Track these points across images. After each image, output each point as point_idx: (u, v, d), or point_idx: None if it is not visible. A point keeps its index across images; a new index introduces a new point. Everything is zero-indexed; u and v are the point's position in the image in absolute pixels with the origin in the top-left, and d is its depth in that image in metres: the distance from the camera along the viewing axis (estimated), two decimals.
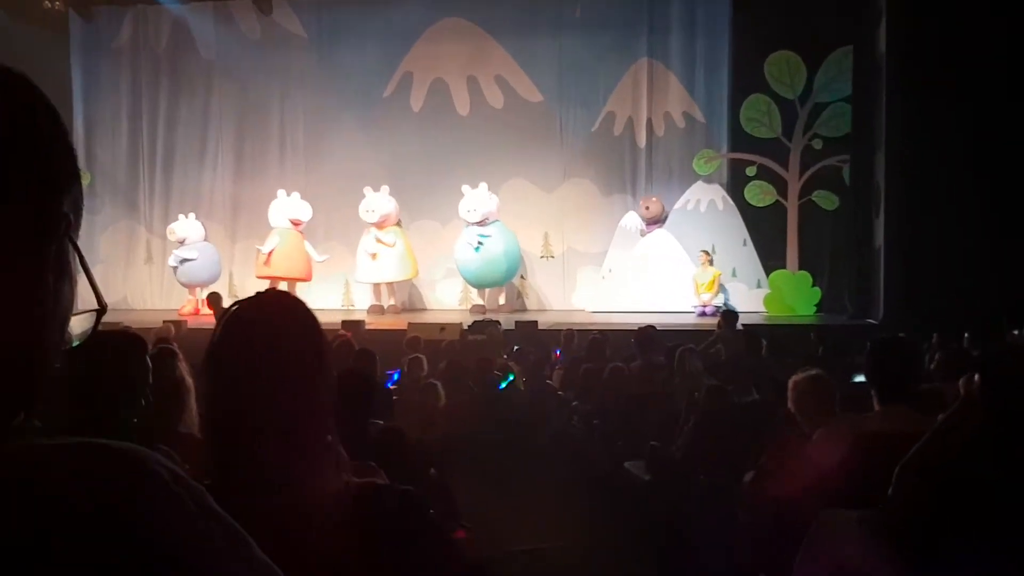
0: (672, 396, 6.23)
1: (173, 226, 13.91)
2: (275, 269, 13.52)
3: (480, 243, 13.08)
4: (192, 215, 14.14)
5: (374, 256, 13.54)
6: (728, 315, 9.23)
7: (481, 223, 13.16)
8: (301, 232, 13.68)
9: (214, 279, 14.19)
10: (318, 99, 14.80)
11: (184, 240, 13.86)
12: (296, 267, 13.55)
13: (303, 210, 13.55)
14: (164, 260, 14.91)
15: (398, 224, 13.87)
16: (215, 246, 14.37)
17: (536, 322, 10.55)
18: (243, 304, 1.41)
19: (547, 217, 14.30)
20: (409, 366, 6.80)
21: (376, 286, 13.89)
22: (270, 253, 13.42)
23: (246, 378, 1.31)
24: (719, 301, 12.79)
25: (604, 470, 5.74)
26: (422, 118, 14.54)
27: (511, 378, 6.48)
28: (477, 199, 13.22)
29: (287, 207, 13.57)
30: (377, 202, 13.43)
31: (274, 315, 1.39)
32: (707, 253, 12.91)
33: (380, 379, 6.15)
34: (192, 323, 11.66)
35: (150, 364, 2.42)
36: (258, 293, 1.42)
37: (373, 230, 13.55)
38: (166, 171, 15.24)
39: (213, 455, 1.33)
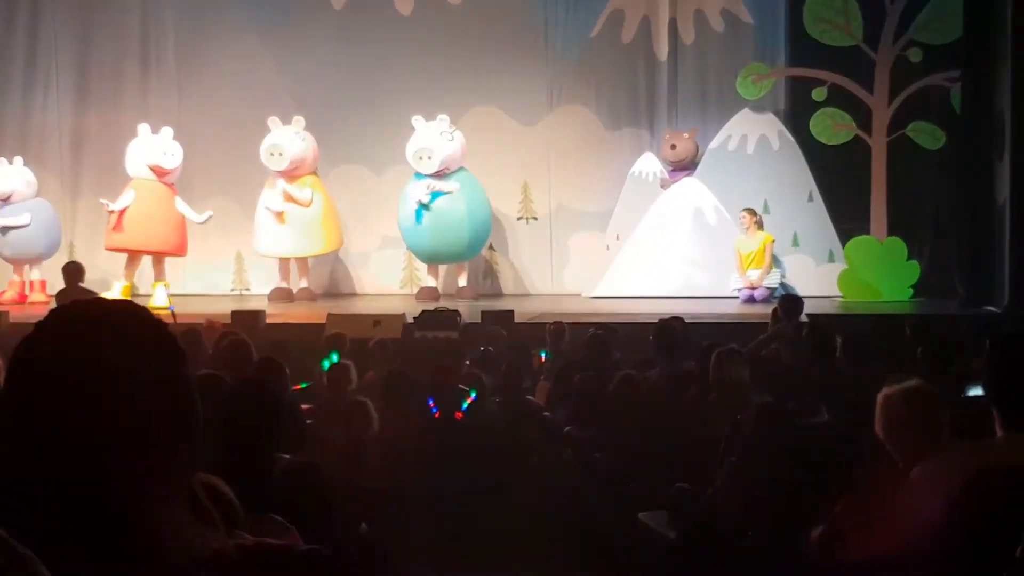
0: (707, 418, 6.23)
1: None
2: (130, 238, 13.34)
3: (424, 204, 13.03)
4: (19, 161, 13.94)
5: (280, 218, 13.47)
6: (787, 302, 9.26)
7: (438, 174, 13.13)
8: (170, 185, 13.54)
9: (51, 251, 14.05)
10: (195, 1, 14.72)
11: (8, 197, 13.68)
12: (161, 235, 13.39)
13: (171, 153, 13.39)
14: None
15: (314, 174, 13.81)
16: (50, 204, 14.22)
17: (512, 312, 10.56)
18: (45, 326, 1.42)
19: (527, 162, 14.30)
20: (329, 377, 6.80)
21: (283, 262, 13.82)
22: (121, 214, 13.27)
23: (48, 422, 1.36)
24: (773, 281, 12.85)
25: (610, 525, 5.75)
26: (346, 19, 14.49)
27: (474, 395, 6.49)
28: (433, 139, 13.17)
29: (149, 149, 13.42)
30: (286, 141, 13.35)
31: (92, 343, 1.40)
32: (752, 213, 12.96)
33: (288, 396, 6.13)
34: (17, 315, 11.55)
35: None
36: (66, 306, 1.43)
37: (280, 182, 13.47)
38: None
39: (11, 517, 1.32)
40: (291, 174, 13.44)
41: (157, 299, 12.97)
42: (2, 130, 15.02)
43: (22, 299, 13.66)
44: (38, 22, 14.99)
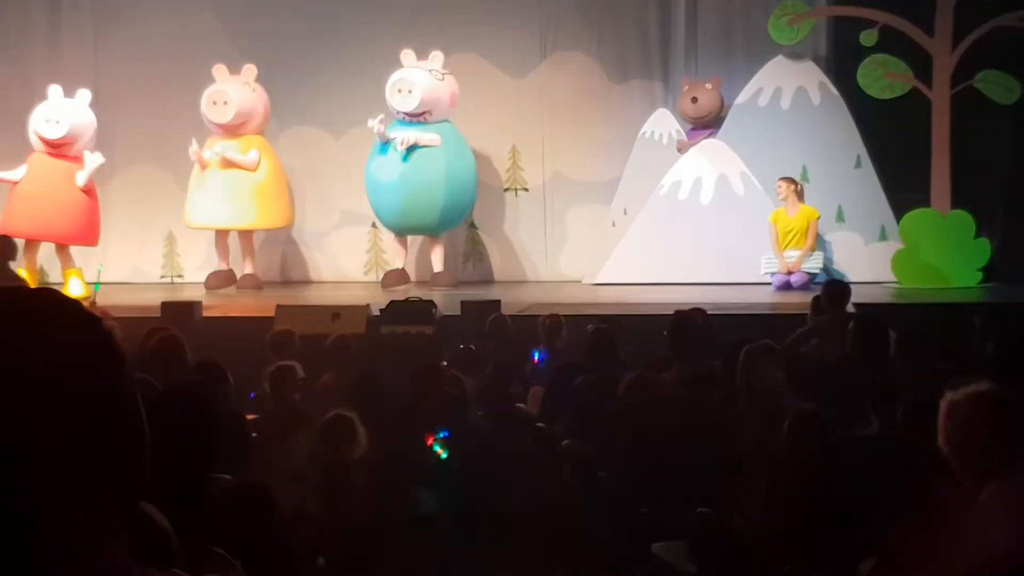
0: (734, 430, 6.25)
1: None
2: (20, 221, 13.13)
3: (401, 148, 13.01)
4: None
5: (218, 183, 13.39)
6: (831, 289, 9.26)
7: (420, 116, 13.11)
8: (72, 158, 13.18)
9: None
10: None
11: None
12: (58, 220, 13.03)
13: (56, 120, 13.03)
14: None
15: (262, 135, 13.74)
16: None
17: (498, 303, 10.55)
18: None
19: (516, 122, 14.29)
20: (272, 381, 6.81)
21: (220, 238, 13.76)
22: (12, 192, 13.10)
23: None
24: (814, 264, 12.85)
25: (618, 558, 5.75)
26: None
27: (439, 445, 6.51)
28: (417, 72, 13.14)
29: (37, 115, 13.08)
30: (231, 92, 13.30)
31: (13, 341, 1.39)
32: (791, 181, 12.95)
33: (230, 406, 6.14)
34: None
35: None
36: None
37: (218, 145, 13.39)
38: None
39: None
40: (235, 130, 13.38)
41: (72, 292, 12.88)
42: None
43: None
44: None
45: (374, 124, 12.99)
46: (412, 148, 13.10)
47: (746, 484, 5.57)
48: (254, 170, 13.43)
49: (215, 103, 13.26)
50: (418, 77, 13.10)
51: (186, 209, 13.70)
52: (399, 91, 13.08)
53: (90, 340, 1.41)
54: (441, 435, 6.39)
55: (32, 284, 12.84)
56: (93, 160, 13.00)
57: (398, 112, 13.17)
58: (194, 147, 13.21)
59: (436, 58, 13.25)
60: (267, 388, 6.87)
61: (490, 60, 14.28)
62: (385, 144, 13.17)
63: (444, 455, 6.32)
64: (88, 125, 13.28)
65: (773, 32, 13.46)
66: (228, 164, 13.38)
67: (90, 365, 1.39)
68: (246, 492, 4.39)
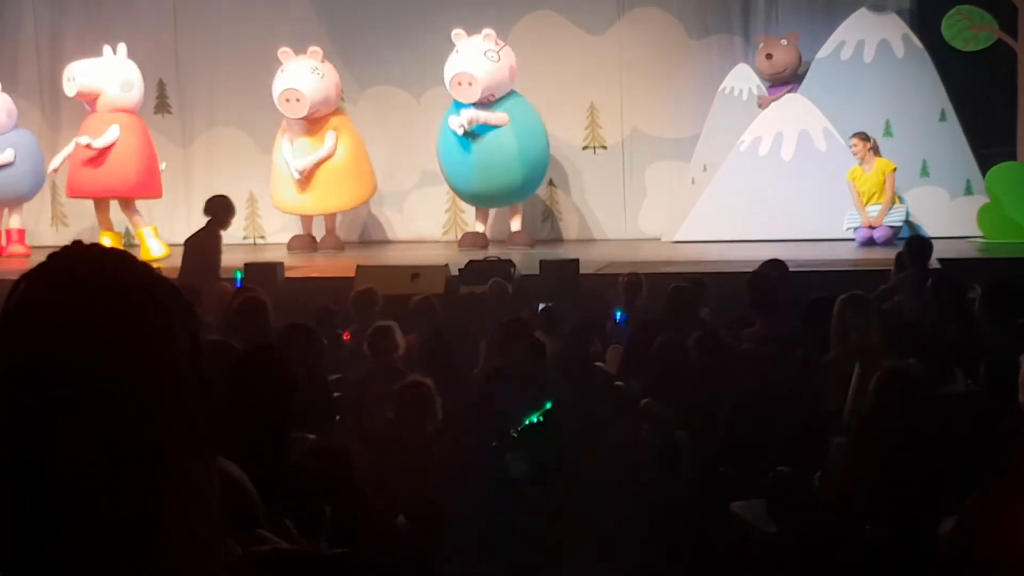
0: (815, 388, 6.22)
1: None
2: (82, 184, 13.36)
3: (470, 132, 13.02)
4: None
5: (302, 175, 13.43)
6: (914, 244, 9.18)
7: (483, 102, 13.10)
8: (116, 111, 13.35)
9: (34, 192, 14.14)
10: None
11: None
12: (115, 175, 13.30)
13: (71, 78, 13.16)
14: None
15: (338, 111, 13.75)
16: (35, 137, 14.29)
17: (577, 262, 10.57)
18: (31, 277, 1.40)
19: (594, 79, 14.24)
20: (372, 340, 6.84)
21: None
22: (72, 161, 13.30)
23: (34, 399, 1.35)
24: (897, 219, 12.73)
25: (697, 517, 5.76)
26: None
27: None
28: (475, 60, 13.10)
29: (112, 72, 13.38)
30: (302, 82, 13.26)
31: (87, 303, 1.38)
32: (865, 138, 12.77)
33: (315, 365, 6.19)
34: None
35: None
36: (56, 255, 1.42)
37: (298, 140, 13.42)
38: None
39: None
40: (311, 118, 13.42)
41: (153, 249, 13.11)
42: None
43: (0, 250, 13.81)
44: None
45: (462, 124, 12.99)
46: (482, 130, 13.07)
47: (827, 442, 5.55)
48: (333, 155, 13.50)
49: (288, 100, 13.22)
50: (476, 67, 12.96)
51: (272, 189, 13.80)
52: (459, 84, 13.01)
53: (166, 301, 1.41)
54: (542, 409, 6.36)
55: (116, 245, 13.08)
56: (106, 135, 13.17)
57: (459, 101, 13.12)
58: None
59: (489, 37, 13.10)
60: (366, 348, 6.90)
61: (567, 17, 14.23)
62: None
63: (533, 419, 6.32)
64: (110, 80, 13.30)
65: None
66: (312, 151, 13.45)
67: (153, 323, 1.39)
68: (327, 453, 4.43)
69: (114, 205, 13.60)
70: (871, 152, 12.77)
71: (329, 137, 13.47)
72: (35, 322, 1.36)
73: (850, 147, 12.82)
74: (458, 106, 13.16)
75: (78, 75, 13.14)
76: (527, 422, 6.26)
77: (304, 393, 4.12)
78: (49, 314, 1.36)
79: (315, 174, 13.47)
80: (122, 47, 13.37)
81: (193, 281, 8.32)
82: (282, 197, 13.76)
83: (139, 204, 13.60)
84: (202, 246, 9.94)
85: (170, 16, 14.74)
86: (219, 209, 10.11)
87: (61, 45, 14.99)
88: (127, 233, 14.01)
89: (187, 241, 10.17)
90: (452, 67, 13.08)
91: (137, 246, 13.01)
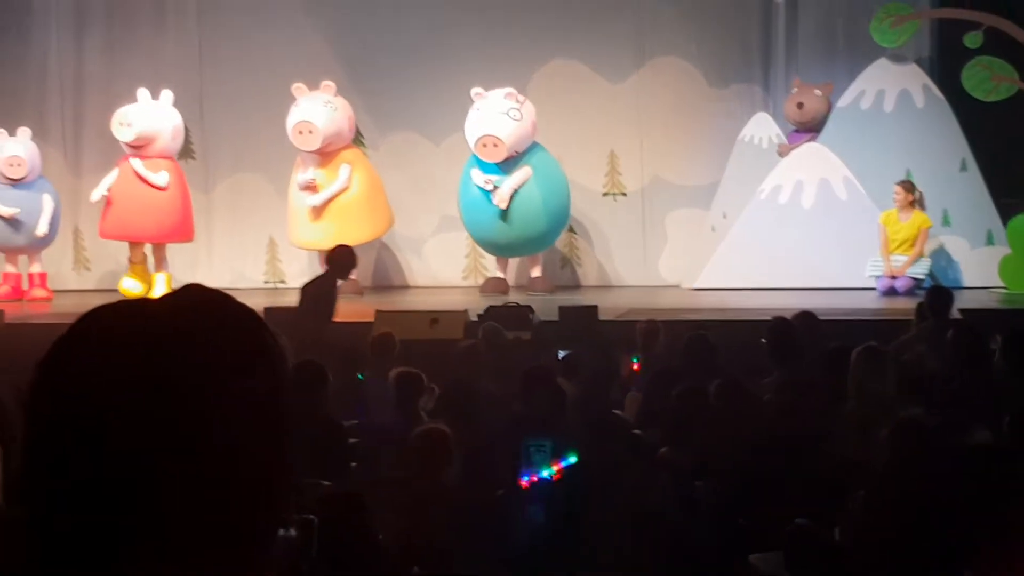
0: (834, 438, 6.16)
1: (18, 151, 13.61)
2: (115, 225, 13.48)
3: (495, 186, 13.04)
4: (25, 133, 13.99)
5: (314, 212, 13.46)
6: (935, 295, 9.13)
7: (507, 159, 13.11)
8: (150, 156, 13.44)
9: (52, 239, 14.19)
10: None
11: (24, 178, 13.70)
12: (150, 220, 13.40)
13: (127, 123, 13.26)
14: None
15: (351, 146, 13.80)
16: (51, 184, 14.34)
17: (596, 308, 10.55)
18: (99, 315, 1.41)
19: (614, 127, 14.24)
20: (397, 385, 6.81)
21: (322, 253, 13.87)
22: (108, 199, 13.41)
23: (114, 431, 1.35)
24: (920, 270, 12.64)
25: (714, 568, 5.71)
26: None
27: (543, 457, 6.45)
28: (499, 120, 13.04)
29: (123, 118, 13.38)
30: (315, 115, 13.32)
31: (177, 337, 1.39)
32: (910, 189, 12.63)
33: (327, 408, 6.17)
34: (14, 314, 11.74)
35: None
36: (108, 305, 1.42)
37: (311, 170, 13.47)
38: None
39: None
40: (325, 151, 13.47)
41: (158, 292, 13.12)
42: (1, 90, 15.14)
43: (18, 294, 13.80)
44: None
45: (483, 180, 13.02)
46: (498, 186, 13.08)
47: (846, 493, 5.49)
48: (347, 188, 13.52)
49: (301, 132, 13.28)
50: (499, 128, 12.94)
51: (289, 227, 13.82)
52: (484, 146, 13.00)
53: (256, 341, 1.42)
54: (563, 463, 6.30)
55: (144, 285, 13.18)
56: (160, 177, 13.27)
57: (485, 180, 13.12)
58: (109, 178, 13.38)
59: (511, 96, 13.12)
60: (393, 393, 6.88)
61: (587, 66, 14.24)
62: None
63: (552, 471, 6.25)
64: (165, 126, 13.43)
65: (876, 34, 13.31)
66: (314, 188, 13.45)
67: (254, 365, 1.40)
68: (341, 500, 4.39)
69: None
70: (913, 204, 12.65)
71: (343, 170, 13.50)
72: (97, 369, 1.36)
73: (893, 194, 12.68)
74: (481, 164, 13.14)
75: (135, 120, 13.21)
76: (545, 472, 6.21)
77: (315, 437, 4.08)
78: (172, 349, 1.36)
79: (330, 208, 13.47)
80: (168, 93, 13.50)
81: (306, 327, 8.65)
82: (298, 233, 13.75)
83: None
84: (318, 294, 10.00)
85: (195, 62, 14.81)
86: (341, 259, 10.26)
87: (84, 89, 15.06)
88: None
89: (304, 288, 10.25)
90: (476, 128, 13.04)
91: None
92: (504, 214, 13.12)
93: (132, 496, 1.33)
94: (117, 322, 1.40)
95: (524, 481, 6.07)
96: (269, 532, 1.40)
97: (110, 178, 13.46)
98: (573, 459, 6.19)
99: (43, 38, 15.12)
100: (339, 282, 10.21)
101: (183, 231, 13.72)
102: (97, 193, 13.51)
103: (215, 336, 1.39)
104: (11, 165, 13.60)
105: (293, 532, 1.58)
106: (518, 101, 13.18)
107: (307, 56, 14.28)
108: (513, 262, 13.93)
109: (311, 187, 13.44)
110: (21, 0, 15.14)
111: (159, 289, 13.24)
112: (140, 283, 13.38)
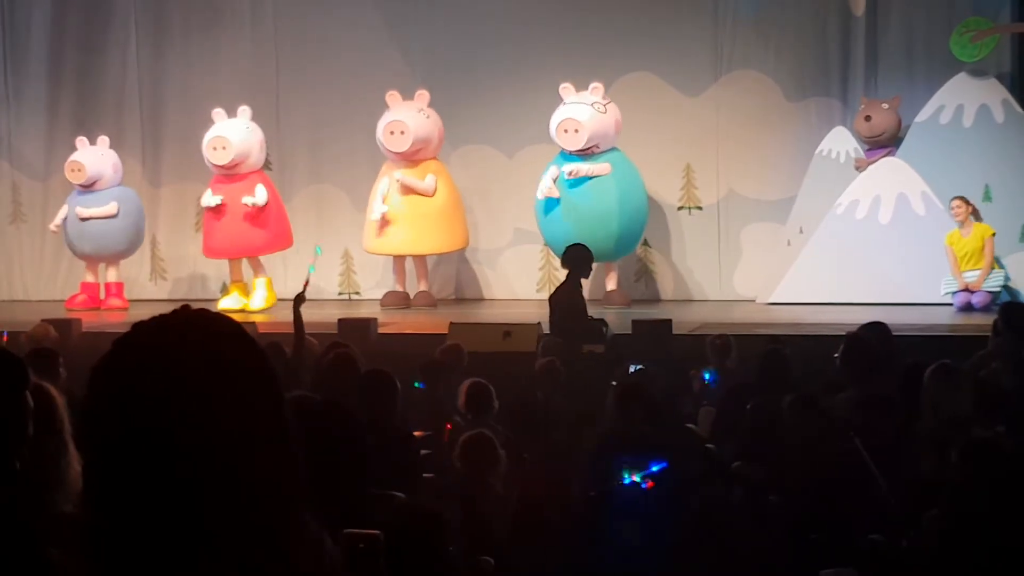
0: (909, 455, 6.10)
1: (80, 157, 14.04)
2: (218, 245, 13.76)
3: (570, 178, 13.07)
4: (104, 141, 14.28)
5: (397, 211, 13.53)
6: (1009, 310, 9.00)
7: (586, 152, 13.14)
8: (241, 176, 13.62)
9: (134, 248, 14.46)
10: None
11: (94, 183, 14.00)
12: (250, 235, 13.62)
13: (220, 147, 13.43)
14: (43, 214, 15.26)
15: (437, 159, 13.90)
16: (135, 193, 14.57)
17: (670, 322, 10.52)
18: (133, 337, 1.53)
19: (691, 140, 14.22)
20: (467, 397, 6.82)
21: (398, 261, 13.96)
22: (208, 221, 13.66)
23: (138, 444, 1.46)
24: (995, 284, 12.49)
25: None
26: None
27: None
28: (582, 109, 13.20)
29: (216, 142, 13.55)
30: (409, 118, 13.45)
31: (178, 355, 1.50)
32: (966, 201, 12.57)
33: (397, 419, 6.18)
34: (91, 323, 11.91)
35: (30, 403, 2.70)
36: (161, 317, 1.55)
37: (398, 172, 13.53)
38: (45, 60, 15.54)
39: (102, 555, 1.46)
40: (412, 157, 13.53)
41: (257, 299, 13.41)
42: (78, 104, 15.41)
43: (96, 303, 14.04)
44: None
45: (549, 188, 13.05)
46: (582, 179, 13.11)
47: (920, 511, 5.43)
48: (432, 195, 13.56)
49: (392, 133, 13.38)
50: (582, 114, 13.07)
51: (365, 235, 13.90)
52: (565, 131, 13.08)
53: (243, 357, 1.50)
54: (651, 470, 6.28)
55: (243, 297, 13.40)
56: (260, 194, 13.50)
57: (564, 150, 13.17)
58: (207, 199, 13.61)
59: (596, 90, 13.22)
60: (462, 404, 6.89)
61: (664, 79, 14.22)
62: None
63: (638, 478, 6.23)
64: (252, 142, 13.64)
65: (955, 49, 13.18)
66: (407, 191, 13.52)
67: (242, 382, 1.48)
68: (414, 513, 4.38)
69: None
70: (971, 217, 12.58)
71: (430, 178, 13.56)
72: (122, 388, 1.46)
73: (950, 210, 12.62)
74: (564, 157, 13.19)
75: (230, 143, 13.42)
76: (630, 479, 6.19)
77: (386, 449, 4.09)
78: (135, 377, 1.46)
79: (411, 214, 13.53)
80: (246, 109, 13.68)
81: (564, 331, 9.34)
82: (374, 238, 13.79)
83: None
84: (566, 298, 10.40)
85: (273, 73, 14.95)
86: (577, 259, 10.79)
87: (163, 101, 15.29)
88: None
89: (552, 298, 10.66)
90: (558, 115, 13.17)
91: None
92: (580, 213, 13.10)
93: (170, 501, 1.42)
94: (139, 347, 1.49)
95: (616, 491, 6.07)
96: (288, 528, 1.48)
97: (206, 198, 13.65)
98: (657, 468, 6.17)
99: (123, 51, 15.36)
100: (581, 281, 10.73)
101: (283, 239, 14.00)
102: (212, 202, 13.66)
103: (214, 352, 1.48)
104: (72, 171, 13.96)
105: (362, 546, 1.65)
106: (604, 97, 13.24)
107: (382, 69, 14.39)
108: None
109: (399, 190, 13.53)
110: (102, 13, 15.37)
111: (259, 294, 13.48)
112: (240, 297, 13.66)
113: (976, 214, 12.61)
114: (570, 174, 13.08)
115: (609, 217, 13.20)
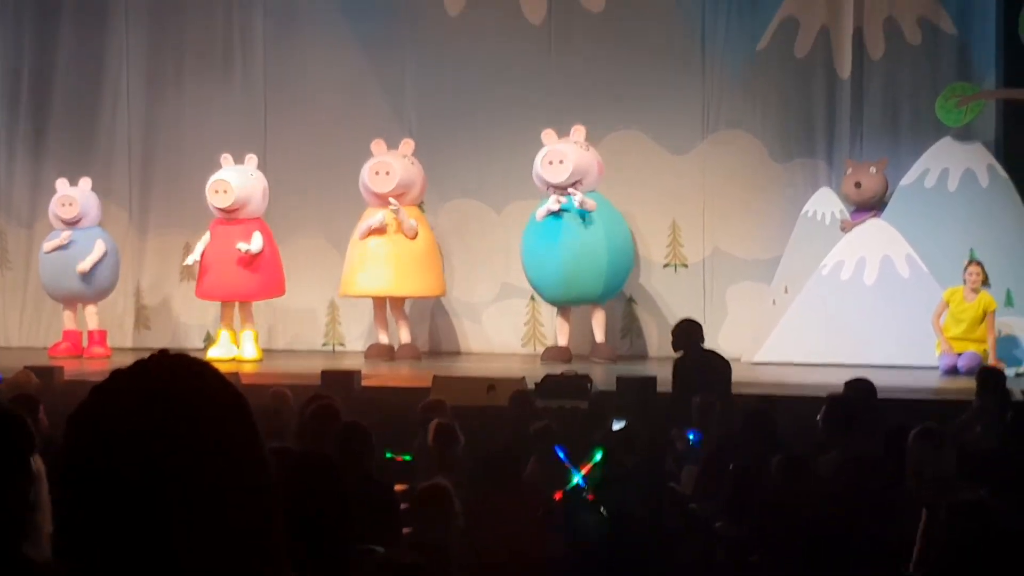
0: (894, 517, 6.07)
1: (72, 193, 14.01)
2: (212, 287, 13.74)
3: (560, 212, 13.09)
4: (86, 183, 14.28)
5: (378, 249, 13.49)
6: (985, 374, 9.02)
7: (572, 187, 13.18)
8: (240, 221, 13.62)
9: (109, 291, 14.37)
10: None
11: (78, 221, 14.00)
12: (244, 280, 13.62)
13: (222, 190, 13.44)
14: (27, 261, 15.22)
15: (417, 206, 13.92)
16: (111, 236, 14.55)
17: (655, 379, 10.49)
18: (111, 384, 1.51)
19: (677, 197, 14.26)
20: (435, 439, 6.78)
21: (379, 310, 13.91)
22: (203, 262, 13.64)
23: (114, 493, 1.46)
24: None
25: None
26: (463, 27, 14.66)
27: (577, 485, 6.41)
28: (565, 145, 13.27)
29: (218, 185, 13.57)
30: (393, 163, 13.51)
31: (160, 402, 1.49)
32: (983, 268, 12.46)
33: (374, 471, 6.12)
34: (73, 371, 11.84)
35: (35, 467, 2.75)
36: (140, 362, 1.54)
37: (381, 211, 13.55)
38: (36, 106, 15.53)
39: None
40: (398, 198, 13.52)
41: (247, 352, 13.38)
42: (66, 150, 15.36)
43: (78, 350, 13.99)
44: (107, 22, 15.37)
45: (551, 206, 13.07)
46: (570, 215, 13.10)
47: (904, 572, 5.40)
48: (412, 237, 13.57)
49: (377, 173, 13.44)
50: (567, 148, 13.20)
51: (343, 280, 13.87)
52: (550, 163, 13.14)
53: (225, 407, 1.49)
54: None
55: (233, 342, 13.35)
56: (255, 241, 13.48)
57: (549, 187, 13.21)
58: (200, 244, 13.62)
59: (578, 131, 13.33)
60: (430, 441, 6.86)
61: (653, 137, 14.28)
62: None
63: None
64: (255, 189, 13.67)
65: (941, 114, 13.25)
66: (384, 233, 13.49)
67: (223, 430, 1.47)
68: (395, 568, 4.32)
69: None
70: (983, 282, 12.42)
71: (413, 220, 13.58)
72: (100, 437, 1.44)
73: (966, 274, 12.41)
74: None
75: (231, 188, 13.46)
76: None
77: (365, 503, 4.05)
78: (113, 428, 1.44)
79: (393, 254, 13.51)
80: (252, 157, 13.78)
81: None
82: (356, 280, 13.71)
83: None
84: (697, 367, 9.76)
85: (261, 123, 14.96)
86: (689, 332, 10.09)
87: (153, 151, 15.28)
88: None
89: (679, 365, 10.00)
90: (542, 152, 13.26)
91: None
92: (566, 246, 13.10)
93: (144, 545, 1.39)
94: (118, 393, 1.47)
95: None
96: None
97: (203, 243, 13.66)
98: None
99: (113, 98, 15.35)
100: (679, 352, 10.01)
101: (276, 287, 13.97)
102: (192, 258, 13.72)
103: (193, 399, 1.47)
104: (63, 204, 13.96)
105: None
106: (586, 138, 13.38)
107: (370, 120, 14.44)
108: (576, 330, 13.85)
109: (380, 229, 13.48)
110: (93, 61, 15.38)
111: (248, 347, 13.46)
112: (232, 345, 13.63)
113: (986, 281, 12.52)
114: (580, 203, 13.04)
115: (597, 252, 13.20)
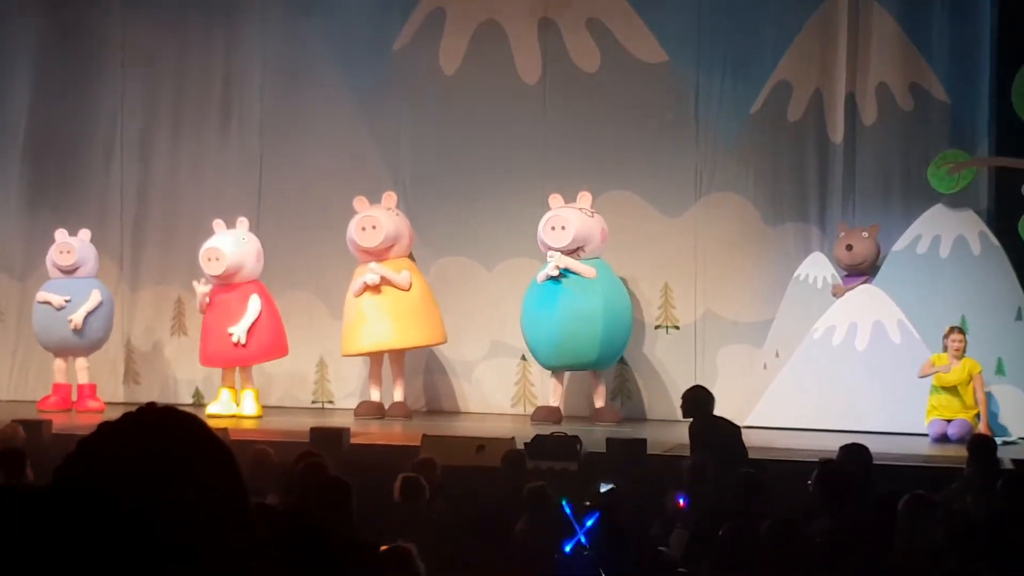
0: None
1: (71, 241, 14.04)
2: (215, 355, 13.76)
3: (560, 277, 13.09)
4: (85, 234, 14.29)
5: (373, 306, 13.48)
6: (979, 444, 9.00)
7: (574, 252, 13.19)
8: (235, 285, 13.62)
9: (101, 343, 14.34)
10: (286, 55, 15.09)
11: (75, 270, 14.01)
12: (245, 346, 13.64)
13: (214, 258, 13.46)
14: (19, 314, 15.21)
15: (410, 258, 13.93)
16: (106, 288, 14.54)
17: (644, 442, 10.46)
18: (98, 437, 1.53)
19: (669, 260, 14.27)
20: (401, 493, 6.75)
21: (375, 367, 13.88)
22: (205, 330, 13.68)
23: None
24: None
25: None
26: (458, 86, 14.73)
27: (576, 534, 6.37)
28: (568, 210, 13.29)
29: (249, 246, 13.70)
30: (380, 217, 13.53)
31: (148, 456, 1.50)
32: (960, 332, 12.46)
33: (353, 526, 6.07)
34: (62, 425, 11.79)
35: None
36: (127, 415, 1.57)
37: (372, 264, 13.53)
38: (31, 159, 15.57)
39: None
40: (383, 255, 13.54)
41: (247, 408, 13.38)
42: (59, 204, 15.37)
43: (68, 404, 13.95)
44: (103, 75, 15.43)
45: (549, 271, 13.07)
46: (569, 280, 13.10)
47: None
48: (407, 289, 13.57)
49: (364, 228, 13.46)
50: (570, 214, 13.21)
51: (344, 339, 13.83)
52: (552, 228, 13.15)
53: (211, 460, 1.49)
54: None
55: (235, 403, 13.33)
56: (252, 307, 13.52)
57: (550, 252, 13.21)
58: (200, 288, 13.59)
59: (584, 197, 13.36)
60: (396, 497, 6.85)
61: (645, 199, 14.30)
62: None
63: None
64: (247, 253, 13.68)
65: (933, 180, 13.29)
66: (379, 289, 13.49)
67: (210, 482, 1.47)
68: None
69: None
70: (963, 350, 12.37)
71: (404, 272, 13.59)
72: (110, 479, 1.44)
73: (949, 341, 12.35)
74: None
75: (223, 255, 13.50)
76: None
77: (347, 559, 4.01)
78: (100, 480, 1.45)
79: (391, 308, 13.50)
80: (244, 220, 13.78)
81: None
82: (355, 338, 13.68)
83: None
84: (713, 436, 9.75)
85: (255, 180, 14.99)
86: (700, 399, 10.15)
87: (146, 206, 15.32)
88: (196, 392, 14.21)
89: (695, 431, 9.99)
90: (547, 215, 13.29)
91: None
92: (563, 310, 13.08)
93: None
94: (106, 445, 1.48)
95: None
96: None
97: (203, 293, 13.64)
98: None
99: (107, 154, 15.39)
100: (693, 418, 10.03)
101: (279, 348, 13.95)
102: (200, 290, 13.65)
103: (179, 452, 1.46)
104: (61, 252, 13.99)
105: None
106: (591, 205, 13.38)
107: (364, 178, 14.45)
108: (571, 391, 13.81)
109: (375, 287, 13.47)
110: (87, 117, 15.43)
111: (248, 404, 13.45)
112: (232, 403, 13.64)
113: (963, 347, 12.50)
114: (556, 267, 13.03)
115: (594, 320, 13.15)
